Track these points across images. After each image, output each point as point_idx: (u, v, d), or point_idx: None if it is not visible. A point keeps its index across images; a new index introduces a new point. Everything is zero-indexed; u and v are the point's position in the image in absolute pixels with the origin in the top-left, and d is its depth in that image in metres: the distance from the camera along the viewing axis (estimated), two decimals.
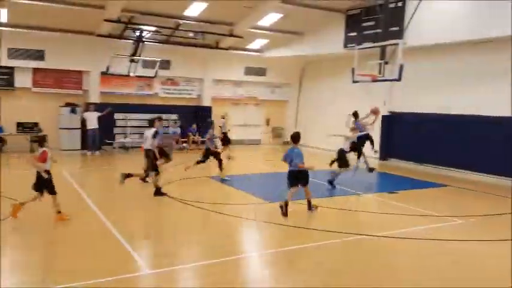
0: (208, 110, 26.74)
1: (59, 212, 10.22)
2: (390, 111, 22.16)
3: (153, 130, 13.43)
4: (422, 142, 19.92)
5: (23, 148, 21.33)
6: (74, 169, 17.99)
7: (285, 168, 17.22)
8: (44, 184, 10.13)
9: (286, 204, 11.17)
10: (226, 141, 22.00)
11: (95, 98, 23.33)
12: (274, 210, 11.98)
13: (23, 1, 17.81)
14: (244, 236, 10.38)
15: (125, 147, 23.94)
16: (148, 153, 13.41)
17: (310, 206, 11.69)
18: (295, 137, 11.67)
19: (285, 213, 11.08)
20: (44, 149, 10.20)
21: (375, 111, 17.16)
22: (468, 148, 17.81)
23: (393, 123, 22.00)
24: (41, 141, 10.38)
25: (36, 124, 22.13)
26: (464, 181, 17.03)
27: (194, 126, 25.47)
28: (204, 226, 10.59)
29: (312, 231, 10.04)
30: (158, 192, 13.02)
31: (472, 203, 13.76)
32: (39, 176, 10.11)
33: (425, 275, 7.69)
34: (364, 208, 12.89)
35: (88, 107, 22.32)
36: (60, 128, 22.60)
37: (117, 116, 24.38)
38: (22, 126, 21.83)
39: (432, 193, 15.14)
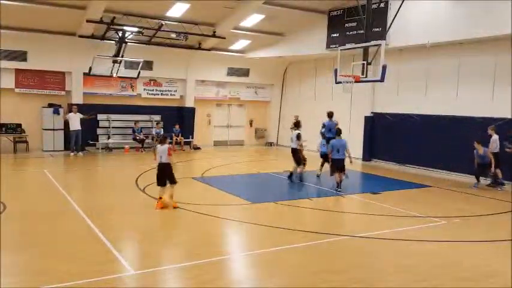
0: (191, 110, 26.70)
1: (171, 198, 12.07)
2: (373, 112, 22.32)
3: (296, 132, 16.27)
4: (405, 143, 20.11)
5: (6, 149, 21.15)
6: (57, 170, 17.86)
7: (269, 169, 17.40)
8: (167, 175, 11.95)
9: (338, 184, 14.80)
10: None
11: (77, 98, 23.16)
12: (259, 211, 12.06)
13: (5, 2, 17.63)
14: (229, 237, 10.40)
15: (108, 148, 23.83)
16: (295, 151, 16.28)
17: (339, 185, 14.84)
18: (340, 131, 15.22)
19: (339, 189, 14.68)
20: (168, 145, 12.04)
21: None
22: (451, 149, 17.98)
23: (376, 124, 22.16)
24: (164, 139, 12.22)
25: (19, 125, 21.93)
26: (448, 182, 17.16)
27: (177, 127, 25.41)
28: (189, 227, 10.58)
29: (295, 232, 10.07)
30: (301, 178, 16.26)
31: (455, 203, 13.85)
32: (162, 169, 11.97)
33: (409, 275, 7.78)
34: (348, 209, 12.98)
35: (71, 108, 22.16)
36: (44, 129, 22.47)
37: (100, 117, 24.25)
38: (5, 127, 21.59)
39: (416, 194, 15.22)
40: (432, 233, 10.45)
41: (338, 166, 14.91)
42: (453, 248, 9.41)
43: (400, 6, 16.17)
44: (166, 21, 21.07)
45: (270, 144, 29.52)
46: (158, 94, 26.15)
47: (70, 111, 22.14)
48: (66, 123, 22.13)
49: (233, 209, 12.30)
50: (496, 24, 15.40)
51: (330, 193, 14.45)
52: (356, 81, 16.25)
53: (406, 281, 7.48)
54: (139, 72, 22.71)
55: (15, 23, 20.22)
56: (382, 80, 15.26)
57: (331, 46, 21.82)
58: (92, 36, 21.97)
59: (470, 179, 17.12)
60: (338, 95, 21.90)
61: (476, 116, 17.51)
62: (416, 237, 9.98)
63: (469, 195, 15.00)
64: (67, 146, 22.45)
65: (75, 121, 21.71)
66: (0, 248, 8.29)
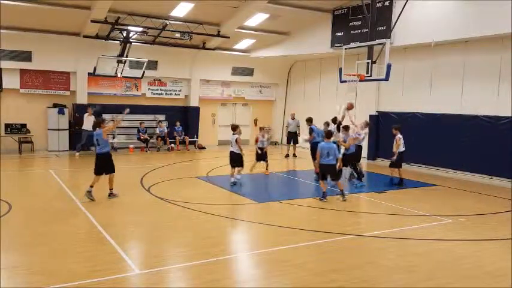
0: (196, 110, 26.70)
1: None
2: (378, 111, 22.26)
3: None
4: (410, 142, 20.01)
5: (11, 149, 21.21)
6: (62, 170, 17.88)
7: (274, 169, 17.36)
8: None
9: (324, 194, 13.23)
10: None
11: (82, 98, 23.19)
12: (264, 211, 12.04)
13: (10, 2, 17.68)
14: (234, 236, 10.40)
15: (113, 148, 23.81)
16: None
17: (343, 195, 13.37)
18: (330, 134, 13.56)
19: (324, 199, 13.16)
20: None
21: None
22: (457, 148, 17.92)
23: (381, 122, 22.08)
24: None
25: (24, 125, 21.97)
26: (453, 181, 17.11)
27: (177, 124, 25.33)
28: (194, 226, 10.57)
29: (300, 231, 10.06)
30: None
31: (461, 202, 13.79)
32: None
33: (414, 274, 7.76)
34: (353, 208, 12.93)
35: (87, 109, 21.97)
36: (49, 129, 22.56)
37: (105, 117, 24.20)
38: (10, 127, 21.66)
39: (421, 193, 15.17)
40: (438, 231, 10.42)
41: (326, 172, 13.43)
42: (459, 246, 9.37)
43: (405, 4, 16.15)
44: (171, 21, 21.09)
45: (275, 143, 29.47)
46: (163, 94, 26.15)
47: (85, 111, 22.04)
48: (75, 123, 22.28)
49: (238, 208, 12.30)
50: (501, 23, 15.32)
51: (335, 192, 14.41)
52: (361, 80, 16.22)
53: (411, 280, 7.46)
54: (143, 72, 22.72)
55: (20, 23, 20.27)
56: (386, 78, 15.24)
57: (335, 45, 21.81)
58: (97, 36, 22.02)
59: (476, 177, 17.15)
60: (343, 94, 21.83)
61: (481, 115, 17.44)
62: (421, 236, 9.97)
63: (475, 194, 14.96)
64: (72, 146, 22.48)
65: (88, 122, 21.68)
66: (1, 248, 8.30)
